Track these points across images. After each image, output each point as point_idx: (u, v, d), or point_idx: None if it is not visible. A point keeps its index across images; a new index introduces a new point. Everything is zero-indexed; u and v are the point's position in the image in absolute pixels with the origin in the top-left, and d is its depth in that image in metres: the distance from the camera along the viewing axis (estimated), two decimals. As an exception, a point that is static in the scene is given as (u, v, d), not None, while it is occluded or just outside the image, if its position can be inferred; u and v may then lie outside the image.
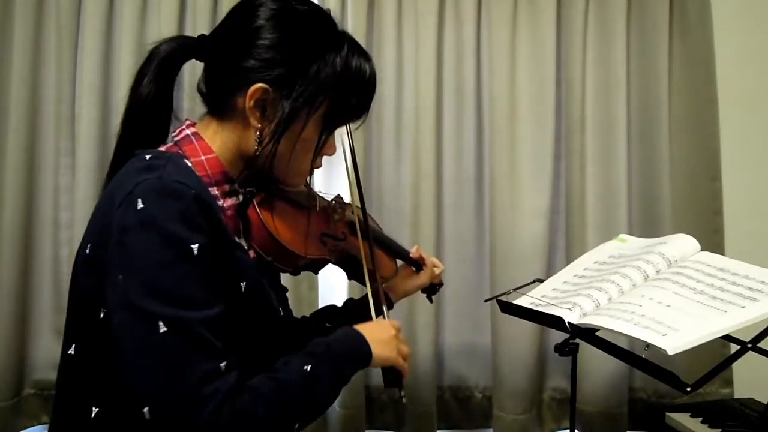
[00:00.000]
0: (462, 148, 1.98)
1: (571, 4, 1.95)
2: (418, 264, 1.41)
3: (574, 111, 1.95)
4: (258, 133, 0.94)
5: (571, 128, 1.96)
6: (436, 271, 1.44)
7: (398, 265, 1.43)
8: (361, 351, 1.01)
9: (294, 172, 1.00)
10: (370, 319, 1.15)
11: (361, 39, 1.88)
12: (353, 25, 1.90)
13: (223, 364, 0.83)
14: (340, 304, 1.35)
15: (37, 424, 1.89)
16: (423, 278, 1.40)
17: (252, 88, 0.92)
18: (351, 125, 1.09)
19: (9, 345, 1.82)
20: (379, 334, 1.05)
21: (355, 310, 1.30)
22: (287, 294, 1.21)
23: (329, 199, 1.20)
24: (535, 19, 1.95)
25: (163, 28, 1.84)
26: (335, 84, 0.94)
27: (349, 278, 1.29)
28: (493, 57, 1.94)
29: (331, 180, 1.90)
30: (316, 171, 1.05)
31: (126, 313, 0.81)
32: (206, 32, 1.02)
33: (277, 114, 0.93)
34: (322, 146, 0.98)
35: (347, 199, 1.28)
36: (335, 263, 1.20)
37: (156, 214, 0.82)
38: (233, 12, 0.99)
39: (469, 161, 1.98)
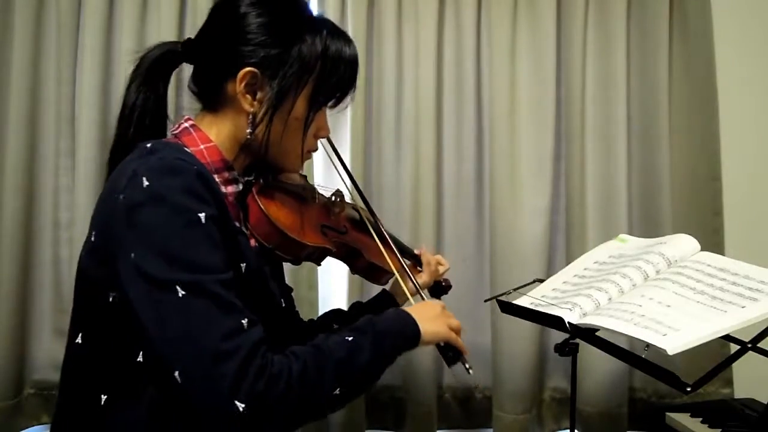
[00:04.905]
0: (462, 148, 1.98)
1: (571, 4, 1.95)
2: (416, 258, 1.40)
3: (574, 111, 1.95)
4: (250, 116, 1.00)
5: (571, 128, 1.96)
6: (441, 269, 1.42)
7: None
8: (408, 328, 1.03)
9: (288, 153, 1.05)
10: None
11: (361, 39, 1.89)
12: (353, 25, 1.90)
13: (244, 321, 0.85)
14: (345, 307, 1.36)
15: (37, 424, 1.89)
16: (424, 277, 1.38)
17: (241, 73, 0.98)
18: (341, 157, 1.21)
19: (9, 345, 1.82)
20: (425, 312, 1.08)
21: (361, 312, 1.30)
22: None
23: (329, 195, 1.23)
24: (535, 19, 1.95)
25: (163, 27, 1.84)
26: (317, 63, 1.01)
27: (352, 272, 1.31)
28: (493, 57, 1.94)
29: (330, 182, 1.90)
30: (316, 174, 1.07)
31: (143, 285, 0.83)
32: None
33: (266, 96, 0.99)
34: (310, 124, 1.04)
35: (348, 198, 1.30)
36: (337, 256, 1.22)
37: (162, 188, 0.85)
38: (216, 6, 1.05)
39: (469, 161, 1.98)
